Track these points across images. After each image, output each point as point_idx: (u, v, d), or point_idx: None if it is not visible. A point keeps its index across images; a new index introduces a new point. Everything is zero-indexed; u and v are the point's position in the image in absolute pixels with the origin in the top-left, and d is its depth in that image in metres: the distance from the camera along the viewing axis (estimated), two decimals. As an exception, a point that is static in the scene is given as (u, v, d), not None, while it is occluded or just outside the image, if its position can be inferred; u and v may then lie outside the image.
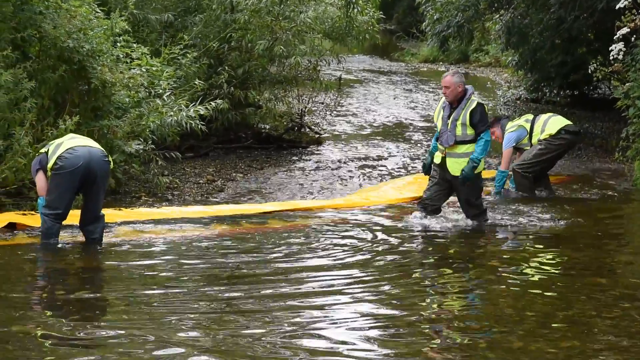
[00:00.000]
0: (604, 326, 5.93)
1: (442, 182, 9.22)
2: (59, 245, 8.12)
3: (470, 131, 8.92)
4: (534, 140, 11.00)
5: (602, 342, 5.61)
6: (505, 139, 11.14)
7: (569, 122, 11.13)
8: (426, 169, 9.47)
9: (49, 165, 7.97)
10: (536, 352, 5.39)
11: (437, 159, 9.19)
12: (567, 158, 13.35)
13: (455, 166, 9.02)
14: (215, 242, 8.62)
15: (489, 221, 9.37)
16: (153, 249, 8.29)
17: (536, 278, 7.29)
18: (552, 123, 11.02)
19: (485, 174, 10.28)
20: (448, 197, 9.45)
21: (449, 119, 8.99)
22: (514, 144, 11.08)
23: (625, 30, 10.65)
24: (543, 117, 11.20)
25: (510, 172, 11.07)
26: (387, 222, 9.58)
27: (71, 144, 8.06)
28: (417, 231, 9.11)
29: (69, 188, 8.00)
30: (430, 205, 9.32)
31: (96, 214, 8.23)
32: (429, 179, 9.40)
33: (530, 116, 11.35)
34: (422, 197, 9.45)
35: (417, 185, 11.38)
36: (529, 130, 11.07)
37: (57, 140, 8.28)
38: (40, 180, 8.10)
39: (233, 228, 9.34)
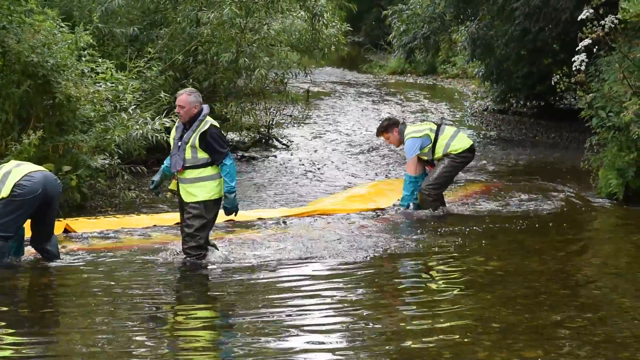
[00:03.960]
0: (566, 336, 5.99)
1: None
2: (14, 263, 8.04)
3: (201, 154, 8.11)
4: (437, 153, 10.65)
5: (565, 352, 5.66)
6: (410, 144, 10.62)
7: (472, 142, 11.01)
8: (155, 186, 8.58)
9: (3, 194, 7.77)
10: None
11: (173, 185, 8.38)
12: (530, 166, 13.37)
13: (186, 193, 8.23)
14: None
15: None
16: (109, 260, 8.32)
17: (500, 289, 7.33)
18: (458, 140, 10.75)
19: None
20: None
21: (180, 140, 8.20)
22: (418, 152, 10.64)
23: (587, 41, 10.73)
24: (448, 131, 10.87)
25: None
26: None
27: (24, 170, 7.92)
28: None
29: (25, 213, 7.89)
30: None
31: (50, 233, 8.18)
32: None
33: (433, 126, 10.93)
34: None
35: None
36: (432, 140, 10.68)
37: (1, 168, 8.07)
38: None
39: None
